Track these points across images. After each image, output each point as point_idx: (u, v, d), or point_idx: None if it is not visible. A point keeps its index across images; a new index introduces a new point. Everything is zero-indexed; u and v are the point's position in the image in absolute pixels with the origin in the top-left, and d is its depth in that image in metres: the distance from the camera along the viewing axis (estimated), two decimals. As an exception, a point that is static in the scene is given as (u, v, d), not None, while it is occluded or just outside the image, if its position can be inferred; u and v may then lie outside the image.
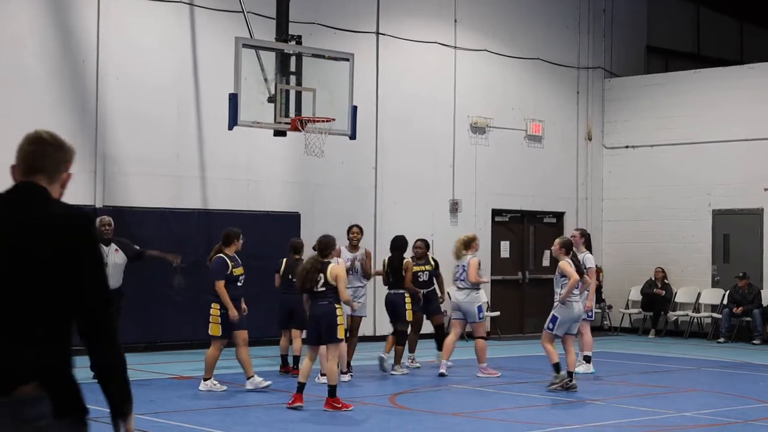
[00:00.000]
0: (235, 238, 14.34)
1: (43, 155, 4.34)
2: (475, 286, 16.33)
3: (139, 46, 19.19)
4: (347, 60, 18.53)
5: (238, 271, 14.26)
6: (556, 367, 14.75)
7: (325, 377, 13.20)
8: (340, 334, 12.97)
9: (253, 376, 14.34)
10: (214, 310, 14.07)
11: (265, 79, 17.85)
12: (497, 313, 23.36)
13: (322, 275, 12.85)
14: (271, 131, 18.41)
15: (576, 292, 14.81)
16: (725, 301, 23.47)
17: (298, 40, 18.48)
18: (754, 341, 22.74)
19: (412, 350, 17.16)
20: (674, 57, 27.63)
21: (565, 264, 14.82)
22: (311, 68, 18.22)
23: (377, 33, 22.19)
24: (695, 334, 23.95)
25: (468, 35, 23.65)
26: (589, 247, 16.85)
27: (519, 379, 16.17)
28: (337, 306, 12.89)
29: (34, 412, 4.04)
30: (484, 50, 23.95)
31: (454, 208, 23.31)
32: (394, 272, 16.66)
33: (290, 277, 15.55)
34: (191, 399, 13.74)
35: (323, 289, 12.86)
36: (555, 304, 14.95)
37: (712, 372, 18.24)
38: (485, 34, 23.98)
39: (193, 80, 19.72)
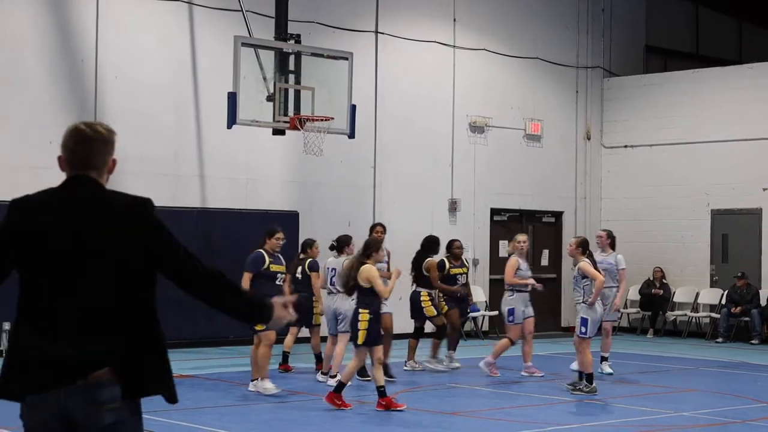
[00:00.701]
0: (268, 235, 14.36)
1: (90, 153, 4.55)
2: (510, 287, 16.06)
3: (137, 44, 19.19)
4: (346, 59, 18.54)
5: (275, 268, 14.21)
6: (590, 378, 14.34)
7: (327, 376, 13.34)
8: (360, 339, 12.87)
9: (257, 380, 14.12)
10: None
11: (264, 78, 17.86)
12: (495, 313, 23.33)
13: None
14: (270, 130, 18.43)
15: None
16: (723, 301, 23.47)
17: (297, 39, 18.49)
18: (753, 341, 22.75)
19: (452, 348, 17.10)
20: (673, 56, 27.64)
21: (587, 265, 14.47)
22: (310, 67, 18.23)
23: (376, 32, 22.19)
24: (693, 334, 23.96)
25: (467, 34, 23.66)
26: (614, 247, 16.77)
27: (517, 378, 16.16)
28: (360, 311, 12.90)
29: (106, 395, 4.36)
30: (483, 49, 23.95)
31: (453, 207, 23.31)
32: (416, 270, 16.72)
33: (295, 275, 15.76)
34: (189, 398, 13.71)
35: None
36: (579, 306, 14.62)
37: (711, 372, 18.25)
38: (484, 34, 23.98)
39: (191, 79, 19.72)
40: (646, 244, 24.83)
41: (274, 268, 14.13)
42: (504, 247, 24.32)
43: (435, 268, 16.66)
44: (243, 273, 13.93)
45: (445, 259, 17.16)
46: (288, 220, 20.34)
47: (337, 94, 18.30)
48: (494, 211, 24.24)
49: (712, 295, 24.10)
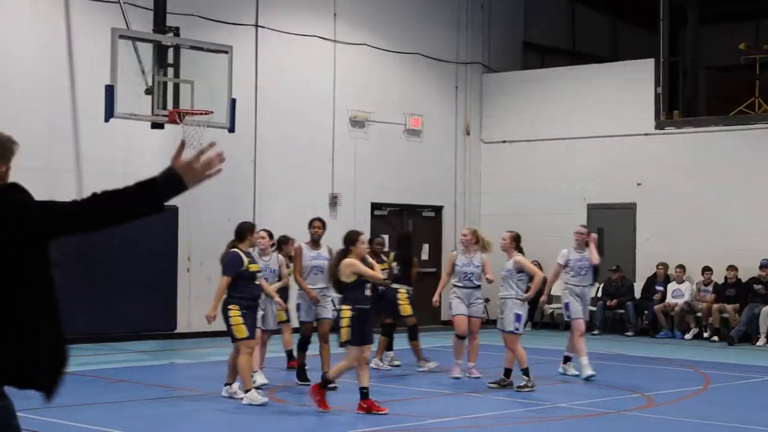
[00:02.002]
0: (248, 231, 13.23)
1: None
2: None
3: (12, 35, 18.75)
4: (226, 52, 18.42)
5: (254, 267, 13.11)
6: (527, 372, 14.12)
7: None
8: (343, 337, 12.21)
9: (230, 386, 13.24)
10: (234, 311, 12.78)
11: (143, 71, 17.65)
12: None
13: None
14: (149, 124, 18.20)
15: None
16: (599, 294, 23.89)
17: (176, 31, 18.30)
18: (627, 333, 23.22)
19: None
20: (550, 53, 28.04)
21: (525, 260, 14.38)
22: (189, 60, 18.07)
23: (256, 26, 22.06)
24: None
25: (347, 29, 23.67)
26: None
27: (392, 372, 16.24)
28: (342, 307, 12.34)
29: None
30: (364, 44, 23.99)
31: (334, 201, 23.31)
32: (403, 267, 16.62)
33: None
34: (66, 395, 13.46)
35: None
36: (510, 302, 14.26)
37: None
38: (365, 28, 24.02)
39: (68, 71, 19.34)
40: (525, 239, 24.96)
41: (252, 268, 13.02)
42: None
43: (416, 264, 16.81)
44: (221, 277, 13.00)
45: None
46: (167, 215, 20.12)
47: (216, 87, 18.17)
48: (375, 206, 24.30)
49: (588, 289, 24.46)
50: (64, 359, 4.47)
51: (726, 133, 23.32)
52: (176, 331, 20.45)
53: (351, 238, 12.38)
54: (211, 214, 20.43)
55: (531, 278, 14.52)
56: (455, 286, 15.56)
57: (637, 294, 23.66)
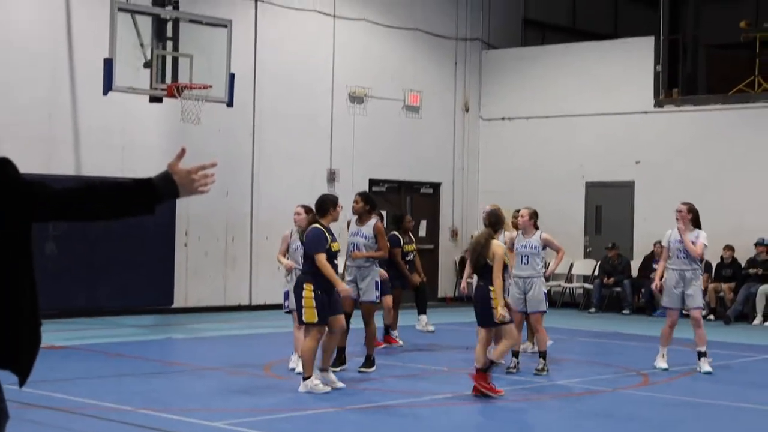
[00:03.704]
0: (331, 206, 12.19)
1: None
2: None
3: (10, 7, 18.69)
4: (225, 26, 18.36)
5: (336, 246, 12.01)
6: (544, 355, 13.76)
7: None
8: (497, 317, 11.94)
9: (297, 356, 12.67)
10: (308, 291, 11.73)
11: (141, 45, 17.60)
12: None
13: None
14: (147, 97, 18.16)
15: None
16: (596, 272, 23.91)
17: (175, 5, 18.23)
18: (624, 311, 23.26)
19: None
20: (551, 30, 27.97)
21: (549, 236, 14.01)
22: (188, 34, 18.01)
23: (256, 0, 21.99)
24: (567, 304, 24.38)
25: (347, 4, 23.60)
26: (698, 225, 14.43)
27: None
28: (490, 288, 12.03)
29: None
30: (363, 19, 23.92)
31: (332, 177, 23.29)
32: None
33: None
34: (60, 369, 13.49)
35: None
36: (537, 280, 13.85)
37: (584, 342, 18.57)
38: (364, 4, 23.95)
39: (66, 43, 19.28)
40: (522, 216, 25.05)
41: (334, 247, 11.96)
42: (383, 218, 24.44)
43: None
44: (313, 257, 11.82)
45: (398, 234, 16.82)
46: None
47: (215, 62, 18.12)
48: (373, 182, 24.28)
49: (585, 266, 24.54)
50: (39, 341, 4.41)
51: (725, 112, 23.30)
52: (173, 306, 20.47)
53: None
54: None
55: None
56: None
57: (634, 272, 23.67)
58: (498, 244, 12.05)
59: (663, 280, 14.37)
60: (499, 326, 12.09)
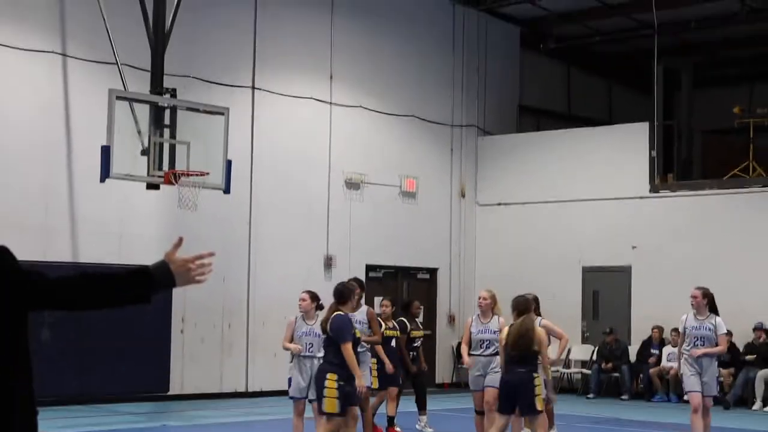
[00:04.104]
0: (351, 294, 12.17)
1: None
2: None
3: (9, 95, 18.80)
4: (222, 114, 18.44)
5: (358, 333, 12.16)
6: None
7: None
8: (539, 405, 12.02)
9: None
10: (331, 381, 11.58)
11: (139, 132, 17.65)
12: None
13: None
14: (144, 184, 18.19)
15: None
16: (594, 357, 23.80)
17: (173, 93, 18.33)
18: (623, 396, 23.10)
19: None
20: (546, 116, 28.19)
21: (549, 323, 13.91)
22: (186, 121, 18.07)
23: (253, 87, 22.14)
24: (565, 390, 24.22)
25: (343, 91, 23.77)
26: (714, 309, 14.00)
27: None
28: (535, 375, 12.16)
29: None
30: (360, 106, 24.08)
31: (329, 263, 23.27)
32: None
33: None
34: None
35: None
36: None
37: (582, 427, 18.42)
38: (360, 91, 24.13)
39: (64, 131, 19.36)
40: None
41: (357, 333, 12.11)
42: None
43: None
44: (338, 345, 11.67)
45: (406, 320, 16.60)
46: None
47: (212, 148, 18.16)
48: (370, 268, 24.24)
49: (583, 351, 24.43)
50: (35, 430, 4.36)
51: (721, 197, 23.37)
52: (169, 393, 20.32)
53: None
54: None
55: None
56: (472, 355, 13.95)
57: (632, 357, 23.56)
58: (541, 331, 12.05)
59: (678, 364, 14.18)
60: (535, 414, 12.02)
